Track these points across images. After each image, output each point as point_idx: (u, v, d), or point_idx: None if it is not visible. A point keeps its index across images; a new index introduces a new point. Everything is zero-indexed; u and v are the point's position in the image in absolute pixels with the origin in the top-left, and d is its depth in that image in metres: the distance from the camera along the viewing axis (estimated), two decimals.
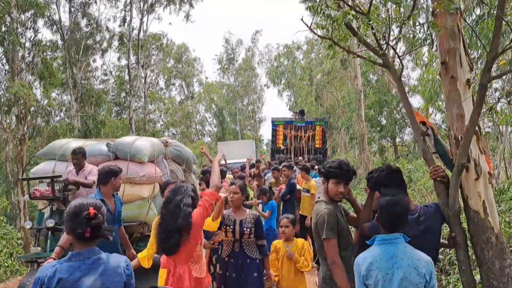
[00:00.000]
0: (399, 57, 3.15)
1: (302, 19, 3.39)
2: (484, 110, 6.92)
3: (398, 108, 22.37)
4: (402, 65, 3.25)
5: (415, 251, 2.70)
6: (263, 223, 7.42)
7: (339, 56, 22.52)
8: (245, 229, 4.43)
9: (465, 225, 3.26)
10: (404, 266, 2.61)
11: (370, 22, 3.01)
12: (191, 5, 24.38)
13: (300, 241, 4.97)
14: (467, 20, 4.98)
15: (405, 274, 2.59)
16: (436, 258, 3.13)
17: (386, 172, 3.06)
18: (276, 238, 7.47)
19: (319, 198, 3.59)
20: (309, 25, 3.51)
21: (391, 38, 3.24)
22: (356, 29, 3.47)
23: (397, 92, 22.53)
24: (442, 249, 5.61)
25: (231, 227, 4.46)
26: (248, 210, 4.66)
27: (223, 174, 9.28)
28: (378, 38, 3.16)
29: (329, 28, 3.41)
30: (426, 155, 3.29)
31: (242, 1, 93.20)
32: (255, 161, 11.66)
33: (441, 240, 3.24)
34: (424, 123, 3.45)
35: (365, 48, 3.24)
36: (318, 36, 3.47)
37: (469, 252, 3.18)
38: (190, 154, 8.03)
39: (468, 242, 3.21)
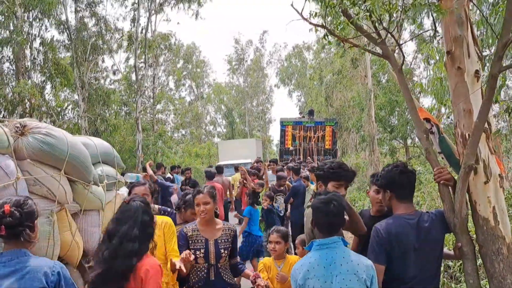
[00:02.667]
0: (399, 45, 2.82)
1: (292, 5, 3.08)
2: (496, 107, 6.51)
3: None
4: (403, 54, 2.92)
5: (355, 255, 2.53)
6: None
7: (349, 55, 22.18)
8: (222, 250, 3.43)
9: (473, 233, 2.94)
10: (343, 272, 2.43)
11: (366, 4, 2.68)
12: (199, 4, 24.18)
13: (293, 258, 4.14)
14: (478, 8, 4.60)
15: (344, 281, 2.41)
16: (439, 269, 2.81)
17: (400, 170, 2.76)
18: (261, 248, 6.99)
19: (310, 202, 3.28)
20: (306, 15, 3.22)
21: (391, 24, 2.91)
22: (353, 15, 3.15)
23: None
24: None
25: (202, 250, 3.41)
26: (221, 222, 3.60)
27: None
28: (377, 23, 2.82)
29: (324, 15, 3.11)
30: (430, 155, 2.97)
31: (249, 2, 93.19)
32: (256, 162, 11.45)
33: (446, 251, 2.92)
34: (428, 120, 3.12)
35: (360, 35, 2.92)
36: (311, 23, 3.16)
37: (478, 264, 2.85)
38: (80, 150, 4.14)
39: (477, 252, 2.88)
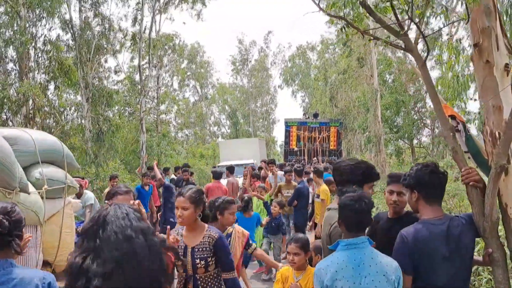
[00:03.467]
0: (424, 37, 2.64)
1: None
2: None
3: (416, 109, 21.72)
4: (428, 48, 2.74)
5: (382, 256, 2.41)
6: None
7: (355, 55, 21.99)
8: (197, 260, 2.99)
9: (503, 239, 2.74)
10: (372, 273, 2.32)
11: None
12: (203, 3, 24.02)
13: (313, 271, 3.87)
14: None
15: (373, 283, 2.30)
16: (469, 276, 2.62)
17: (431, 169, 2.58)
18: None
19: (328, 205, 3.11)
20: (324, 8, 3.05)
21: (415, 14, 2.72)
22: (373, 7, 2.97)
23: (414, 92, 21.84)
24: None
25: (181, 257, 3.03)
26: (207, 228, 3.12)
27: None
28: (404, 11, 2.64)
29: (342, 6, 2.94)
30: (457, 155, 2.77)
31: (252, 1, 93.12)
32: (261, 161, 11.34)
33: (475, 257, 2.72)
34: (453, 117, 2.93)
35: (379, 27, 2.74)
36: (329, 15, 2.99)
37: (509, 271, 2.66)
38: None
39: (508, 259, 2.69)
